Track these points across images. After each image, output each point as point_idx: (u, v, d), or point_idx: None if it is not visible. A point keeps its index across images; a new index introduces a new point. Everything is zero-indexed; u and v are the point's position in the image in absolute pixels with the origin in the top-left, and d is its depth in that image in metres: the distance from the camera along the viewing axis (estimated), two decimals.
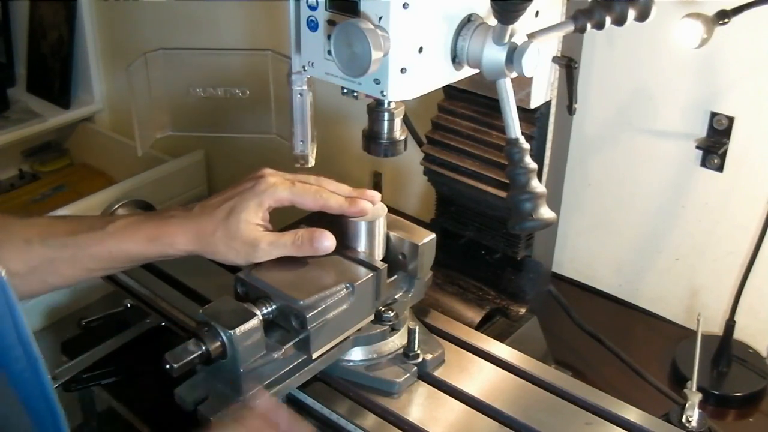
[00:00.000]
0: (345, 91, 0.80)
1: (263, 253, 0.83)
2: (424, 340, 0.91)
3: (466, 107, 1.09)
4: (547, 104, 1.02)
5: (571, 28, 0.82)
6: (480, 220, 1.13)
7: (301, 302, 0.81)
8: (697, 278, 1.22)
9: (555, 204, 1.17)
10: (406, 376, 0.87)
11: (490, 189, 1.06)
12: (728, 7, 0.97)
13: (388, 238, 0.91)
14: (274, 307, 0.82)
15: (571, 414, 0.84)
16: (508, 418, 0.83)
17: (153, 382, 1.04)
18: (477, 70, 0.79)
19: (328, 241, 0.84)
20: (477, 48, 0.77)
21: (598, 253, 1.32)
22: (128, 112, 1.89)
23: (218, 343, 0.76)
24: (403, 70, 0.75)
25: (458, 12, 0.77)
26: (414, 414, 0.84)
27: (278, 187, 0.84)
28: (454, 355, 0.92)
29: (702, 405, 0.90)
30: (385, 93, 0.76)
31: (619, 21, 0.82)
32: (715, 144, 1.12)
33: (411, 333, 0.88)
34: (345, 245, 0.89)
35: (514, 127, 0.80)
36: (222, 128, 1.81)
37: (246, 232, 0.82)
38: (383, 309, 0.89)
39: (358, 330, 0.88)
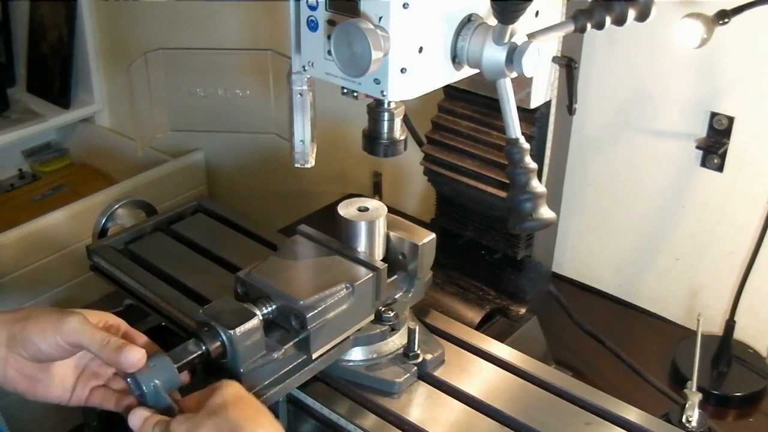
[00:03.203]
0: (345, 91, 0.80)
1: (73, 323, 0.76)
2: (424, 340, 0.91)
3: (466, 107, 1.09)
4: (547, 104, 1.02)
5: (571, 28, 0.82)
6: (480, 220, 1.13)
7: (301, 302, 0.81)
8: (697, 278, 1.22)
9: (555, 204, 1.17)
10: (406, 376, 0.87)
11: (490, 189, 1.06)
12: (728, 7, 0.97)
13: (388, 238, 0.91)
14: (274, 307, 0.82)
15: (571, 414, 0.84)
16: (508, 418, 0.83)
17: None
18: (477, 70, 0.79)
19: (136, 357, 0.74)
20: (477, 48, 0.77)
21: (598, 253, 1.32)
22: (128, 112, 1.89)
23: (218, 343, 0.77)
24: (403, 70, 0.75)
25: (458, 12, 0.77)
26: (414, 414, 0.84)
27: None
28: (454, 355, 0.92)
29: (702, 405, 0.90)
30: (385, 93, 0.76)
31: (619, 21, 0.82)
32: (715, 144, 1.12)
33: (411, 333, 0.88)
34: (345, 245, 0.89)
35: (514, 127, 0.80)
36: (222, 128, 1.81)
37: (68, 313, 0.77)
38: (383, 309, 0.89)
39: (358, 330, 0.88)
